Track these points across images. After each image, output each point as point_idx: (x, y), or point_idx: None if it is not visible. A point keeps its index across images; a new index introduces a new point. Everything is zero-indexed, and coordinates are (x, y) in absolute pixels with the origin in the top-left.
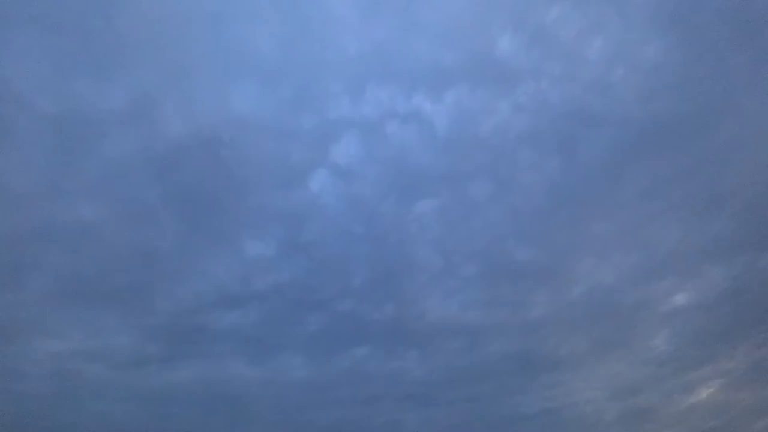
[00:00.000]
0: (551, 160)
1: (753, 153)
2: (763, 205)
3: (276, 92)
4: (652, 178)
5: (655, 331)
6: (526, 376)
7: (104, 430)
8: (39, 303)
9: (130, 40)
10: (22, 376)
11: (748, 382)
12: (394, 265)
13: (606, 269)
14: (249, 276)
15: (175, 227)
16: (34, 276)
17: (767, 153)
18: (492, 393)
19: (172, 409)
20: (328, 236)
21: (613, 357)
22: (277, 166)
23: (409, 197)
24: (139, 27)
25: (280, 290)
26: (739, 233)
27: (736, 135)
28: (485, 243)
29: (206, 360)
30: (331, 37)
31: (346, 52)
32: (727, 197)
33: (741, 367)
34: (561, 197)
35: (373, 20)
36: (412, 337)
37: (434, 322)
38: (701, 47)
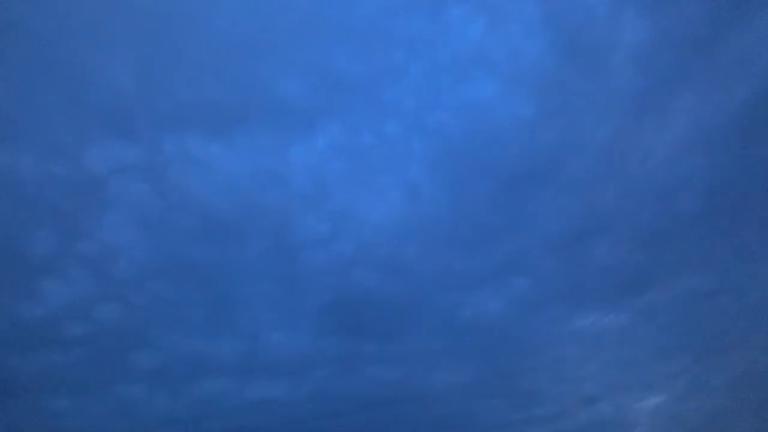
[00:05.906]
0: (384, 199)
1: (614, 184)
2: (650, 235)
3: (24, 147)
4: (506, 216)
5: (567, 355)
6: (420, 403)
7: None
8: None
9: None
10: None
11: (690, 400)
12: (225, 302)
13: (487, 299)
14: (58, 319)
15: None
16: None
17: (630, 183)
18: (392, 419)
19: None
20: (143, 281)
21: (524, 382)
22: (48, 215)
23: (226, 242)
24: None
25: (99, 331)
26: (635, 263)
27: (591, 169)
28: (330, 275)
29: (19, 401)
30: (78, 85)
31: (97, 98)
32: (601, 229)
33: (680, 384)
34: (407, 232)
35: (121, 65)
36: (266, 367)
37: (286, 352)
38: (537, 86)
